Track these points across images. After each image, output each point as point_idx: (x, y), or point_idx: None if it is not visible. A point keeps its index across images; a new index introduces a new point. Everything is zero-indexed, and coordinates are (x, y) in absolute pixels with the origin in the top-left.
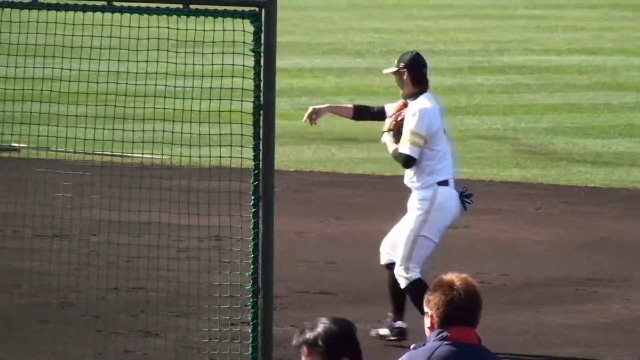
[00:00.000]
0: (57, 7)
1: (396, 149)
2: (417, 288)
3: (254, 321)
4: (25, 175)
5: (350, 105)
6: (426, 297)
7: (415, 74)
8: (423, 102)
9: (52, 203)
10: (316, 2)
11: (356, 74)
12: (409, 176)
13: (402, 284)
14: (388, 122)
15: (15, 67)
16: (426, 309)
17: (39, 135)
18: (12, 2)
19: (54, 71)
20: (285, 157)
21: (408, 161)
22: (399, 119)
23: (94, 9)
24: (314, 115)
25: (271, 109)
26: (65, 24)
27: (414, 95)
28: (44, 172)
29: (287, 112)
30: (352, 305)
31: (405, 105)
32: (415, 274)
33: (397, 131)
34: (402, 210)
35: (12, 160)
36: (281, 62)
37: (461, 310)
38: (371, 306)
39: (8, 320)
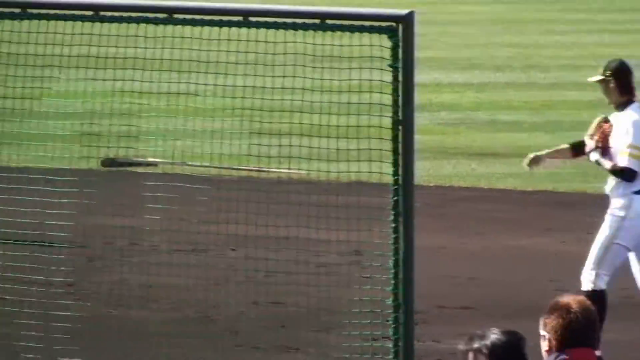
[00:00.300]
0: (193, 23)
1: (614, 164)
2: (599, 300)
3: (395, 336)
4: (162, 190)
5: (567, 146)
6: (542, 320)
7: (621, 82)
8: (633, 115)
9: (190, 218)
10: (454, 17)
11: (495, 89)
12: (611, 185)
13: (586, 287)
14: (591, 141)
15: (151, 82)
16: (543, 332)
17: (175, 150)
18: (148, 17)
19: (190, 86)
20: (425, 171)
21: (629, 174)
22: (605, 134)
23: (230, 24)
24: (533, 162)
25: (410, 124)
26: (201, 39)
27: (622, 105)
28: (181, 187)
29: (426, 127)
30: (493, 320)
31: (604, 123)
32: (602, 284)
33: (604, 147)
34: (544, 225)
35: (150, 175)
36: (419, 77)
37: (579, 332)
38: (512, 322)
39: (147, 335)
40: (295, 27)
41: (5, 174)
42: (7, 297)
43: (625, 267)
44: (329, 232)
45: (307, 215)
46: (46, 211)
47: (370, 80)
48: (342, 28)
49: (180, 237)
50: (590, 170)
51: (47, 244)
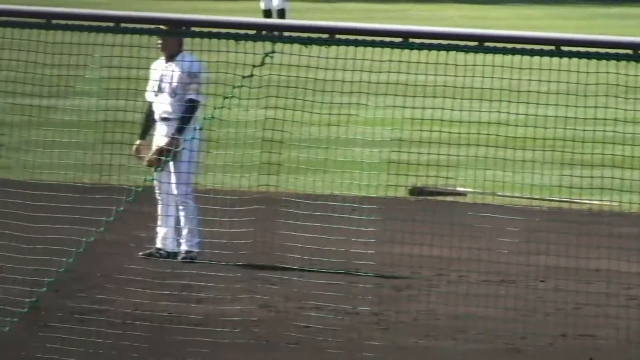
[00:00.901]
0: (504, 51)
1: None
2: None
3: None
4: (471, 220)
5: None
6: None
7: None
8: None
9: (499, 248)
10: None
11: None
12: None
13: None
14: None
15: (461, 110)
16: None
17: (485, 180)
18: (458, 45)
19: (500, 115)
20: None
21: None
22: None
23: (542, 53)
24: None
25: None
26: (512, 67)
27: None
28: (489, 217)
29: None
30: None
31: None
32: None
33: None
34: None
35: (459, 205)
36: None
37: None
38: None
39: None
40: (607, 57)
41: (311, 201)
42: (311, 325)
43: None
44: None
45: (618, 248)
46: (352, 239)
47: None
48: None
49: (489, 268)
50: None
51: (353, 272)
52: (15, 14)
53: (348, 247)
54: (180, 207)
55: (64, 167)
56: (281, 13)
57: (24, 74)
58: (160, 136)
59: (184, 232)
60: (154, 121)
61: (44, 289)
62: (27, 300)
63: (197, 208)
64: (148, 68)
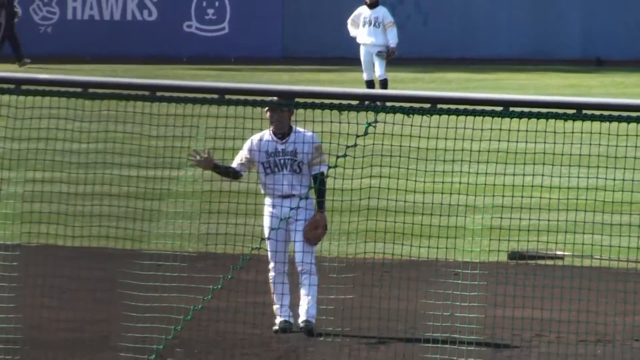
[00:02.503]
0: (601, 118)
1: None
2: None
3: None
4: (569, 283)
5: None
6: None
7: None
8: None
9: (596, 309)
10: None
11: None
12: None
13: None
14: None
15: (560, 176)
16: None
17: (583, 244)
18: (557, 113)
19: (598, 180)
20: None
21: None
22: None
23: (638, 120)
24: None
25: None
26: (609, 134)
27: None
28: (587, 280)
29: None
30: None
31: None
32: None
33: None
34: None
35: (557, 268)
36: None
37: None
38: None
39: None
40: None
41: (414, 267)
42: None
43: None
44: None
45: None
46: (456, 303)
47: None
48: None
49: (587, 328)
50: None
51: (457, 335)
52: (121, 86)
53: (453, 311)
54: (303, 277)
55: (170, 237)
56: (384, 83)
57: (130, 146)
58: (283, 212)
59: (304, 303)
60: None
61: (153, 355)
62: None
63: (319, 279)
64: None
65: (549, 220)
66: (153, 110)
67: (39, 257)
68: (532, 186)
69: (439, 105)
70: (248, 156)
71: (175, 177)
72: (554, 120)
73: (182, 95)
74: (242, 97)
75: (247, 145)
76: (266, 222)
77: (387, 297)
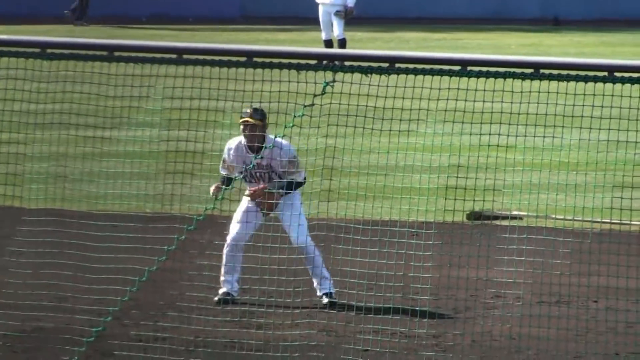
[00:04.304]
0: (559, 78)
1: None
2: None
3: None
4: (526, 243)
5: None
6: None
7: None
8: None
9: (553, 270)
10: None
11: None
12: None
13: None
14: None
15: (517, 136)
16: None
17: (539, 204)
18: (514, 72)
19: (554, 140)
20: None
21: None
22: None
23: (595, 79)
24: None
25: None
26: (567, 93)
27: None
28: (544, 240)
29: None
30: None
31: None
32: None
33: None
34: None
35: (514, 228)
36: None
37: None
38: None
39: None
40: None
41: (370, 227)
42: (369, 348)
43: None
44: None
45: None
46: (410, 263)
47: None
48: None
49: (544, 289)
50: None
51: (411, 296)
52: (79, 46)
53: (407, 272)
54: (304, 257)
55: (127, 197)
56: (342, 43)
57: (87, 106)
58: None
59: (314, 280)
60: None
61: (109, 317)
62: (93, 329)
63: (321, 255)
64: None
65: (505, 181)
66: (111, 70)
67: None
68: (489, 145)
69: (397, 65)
70: (227, 162)
71: (132, 137)
72: (511, 79)
73: (140, 55)
74: (200, 57)
75: (225, 152)
76: (242, 206)
77: (345, 258)
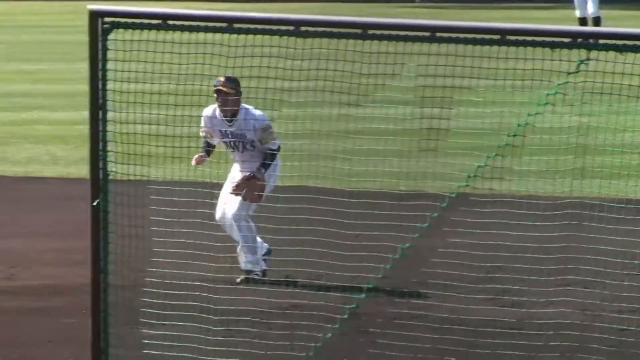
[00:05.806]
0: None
1: None
2: None
3: None
4: None
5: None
6: None
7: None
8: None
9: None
10: None
11: None
12: None
13: None
14: None
15: None
16: None
17: None
18: None
19: None
20: None
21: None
22: None
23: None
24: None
25: None
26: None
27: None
28: None
29: None
30: None
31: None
32: None
33: None
34: None
35: None
36: None
37: None
38: None
39: None
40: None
41: (626, 205)
42: (624, 327)
43: None
44: None
45: None
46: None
47: None
48: None
49: None
50: None
51: None
52: (333, 24)
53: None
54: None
55: (380, 175)
56: (596, 21)
57: (340, 84)
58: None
59: (247, 255)
60: (210, 151)
61: (363, 295)
62: (347, 306)
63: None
64: (462, 77)
65: None
66: (365, 48)
67: None
68: None
69: None
70: (204, 129)
71: (384, 115)
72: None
73: (393, 33)
74: (453, 35)
75: (202, 120)
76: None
77: (599, 236)
